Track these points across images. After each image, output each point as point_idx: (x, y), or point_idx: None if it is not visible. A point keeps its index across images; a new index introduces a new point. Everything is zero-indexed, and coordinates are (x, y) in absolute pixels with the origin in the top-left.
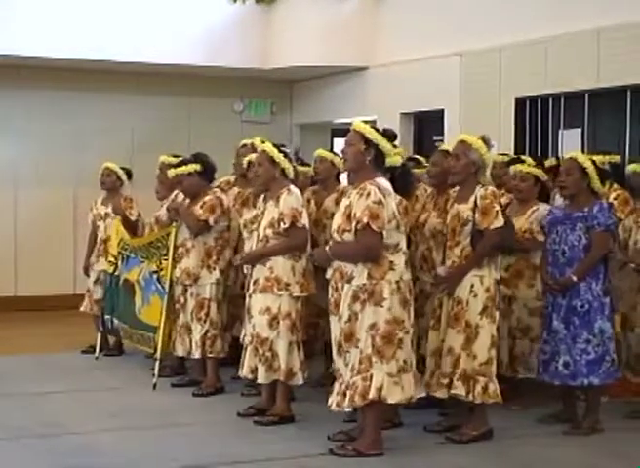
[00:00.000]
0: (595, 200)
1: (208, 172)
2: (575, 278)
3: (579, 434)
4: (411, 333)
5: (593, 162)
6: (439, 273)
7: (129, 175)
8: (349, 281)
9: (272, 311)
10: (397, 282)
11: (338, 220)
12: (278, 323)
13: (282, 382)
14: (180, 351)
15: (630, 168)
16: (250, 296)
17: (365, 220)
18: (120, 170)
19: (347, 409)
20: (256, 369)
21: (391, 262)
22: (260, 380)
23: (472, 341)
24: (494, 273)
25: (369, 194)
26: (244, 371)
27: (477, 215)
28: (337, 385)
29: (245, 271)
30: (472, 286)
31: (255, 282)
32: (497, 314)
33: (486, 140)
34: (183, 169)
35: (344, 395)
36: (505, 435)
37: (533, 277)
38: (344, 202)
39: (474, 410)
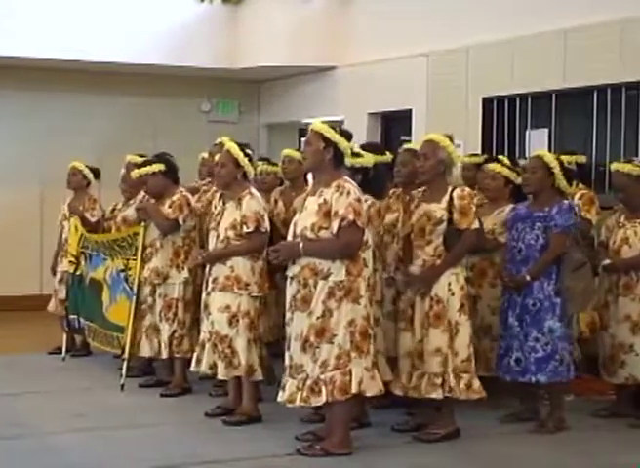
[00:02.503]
0: (557, 200)
1: (171, 171)
2: (528, 277)
3: (544, 432)
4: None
5: (560, 162)
6: (412, 272)
7: (96, 174)
8: (325, 277)
9: (232, 309)
10: (368, 278)
11: (311, 218)
12: (237, 321)
13: (247, 381)
14: (146, 352)
15: (613, 167)
16: (208, 294)
17: (351, 217)
18: (86, 169)
19: (316, 404)
20: (215, 364)
21: (364, 259)
22: (219, 376)
23: (454, 339)
24: (464, 271)
25: (349, 192)
26: (202, 367)
27: (455, 215)
28: (294, 381)
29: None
30: (449, 284)
31: (214, 280)
32: (469, 311)
33: (451, 139)
34: (147, 169)
35: (312, 390)
36: (472, 434)
37: (496, 276)
38: (315, 200)
39: (441, 410)
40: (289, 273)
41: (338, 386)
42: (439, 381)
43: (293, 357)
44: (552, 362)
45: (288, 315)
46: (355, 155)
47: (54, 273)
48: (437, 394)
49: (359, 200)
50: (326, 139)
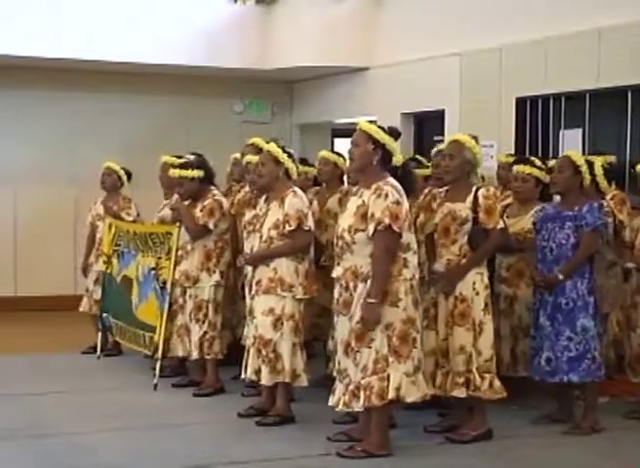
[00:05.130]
0: (586, 199)
1: (209, 178)
2: (561, 276)
3: (578, 434)
4: (421, 333)
5: (590, 162)
6: (436, 270)
7: (129, 175)
8: (365, 280)
9: (276, 312)
10: (410, 280)
11: (348, 220)
12: (282, 324)
13: (285, 383)
14: (179, 351)
15: (639, 168)
16: (252, 297)
17: (387, 221)
18: (121, 170)
19: (357, 409)
20: (259, 370)
21: (405, 259)
22: (263, 382)
23: (477, 338)
24: (487, 271)
25: (387, 195)
26: (248, 373)
27: (481, 215)
28: (341, 385)
29: (245, 272)
30: (474, 283)
31: (257, 283)
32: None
33: (476, 140)
34: (187, 173)
35: (354, 395)
36: (505, 435)
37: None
38: (355, 201)
39: (474, 410)
40: (334, 274)
41: (375, 392)
42: (462, 380)
43: (340, 361)
44: (585, 361)
45: (335, 318)
46: None
47: (85, 274)
48: (460, 392)
49: (398, 203)
50: (375, 141)
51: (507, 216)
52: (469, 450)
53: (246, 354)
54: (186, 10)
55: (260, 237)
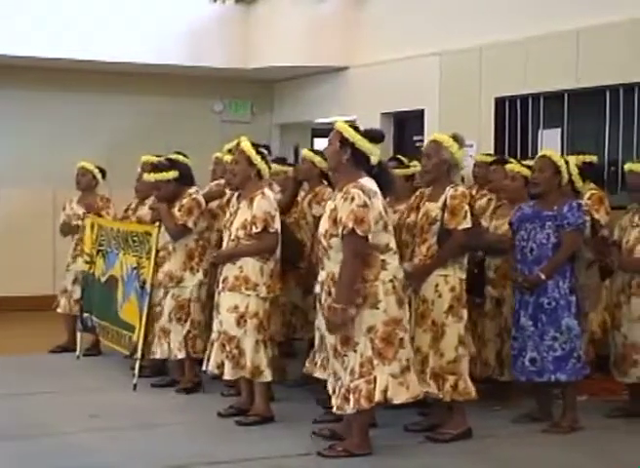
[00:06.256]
0: (565, 199)
1: (184, 177)
2: (543, 276)
3: (557, 432)
4: (409, 332)
5: (568, 162)
6: (405, 269)
7: (103, 174)
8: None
9: (240, 310)
10: (391, 281)
11: (324, 225)
12: (245, 321)
13: (258, 382)
14: (158, 354)
15: (626, 167)
16: (219, 294)
17: (350, 225)
18: (96, 169)
19: (350, 412)
20: (222, 364)
21: (383, 261)
22: (225, 376)
23: (439, 340)
24: (459, 273)
25: (353, 198)
26: (210, 366)
27: (445, 215)
28: (334, 388)
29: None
30: (437, 285)
31: (224, 280)
32: (464, 313)
33: (459, 139)
34: (161, 176)
35: (345, 398)
36: (485, 434)
37: None
38: (329, 205)
39: (453, 410)
40: (319, 278)
41: (364, 395)
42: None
43: (332, 364)
44: (571, 360)
45: (318, 321)
46: None
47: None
48: None
49: (365, 205)
50: (344, 139)
51: (497, 218)
52: (449, 450)
53: (209, 347)
54: (166, 10)
55: (229, 235)
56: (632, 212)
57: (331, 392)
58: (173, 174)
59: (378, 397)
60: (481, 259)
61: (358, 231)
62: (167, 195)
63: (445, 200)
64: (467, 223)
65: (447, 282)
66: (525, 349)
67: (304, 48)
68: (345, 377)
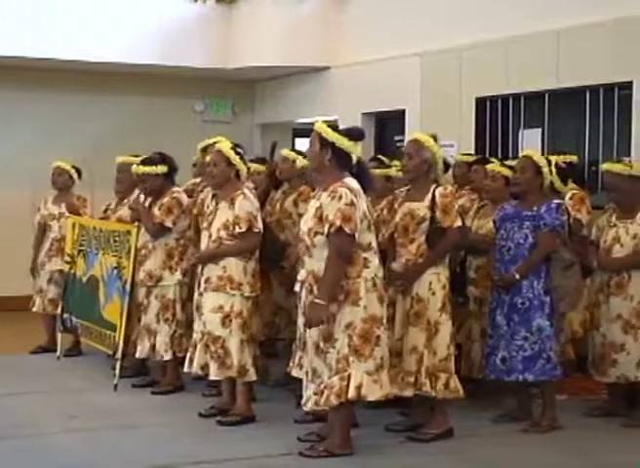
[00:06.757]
0: (546, 199)
1: (172, 174)
2: (517, 276)
3: (537, 432)
4: (386, 330)
5: (555, 162)
6: (394, 269)
7: (79, 174)
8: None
9: (225, 310)
10: (372, 279)
11: (308, 223)
12: (230, 321)
13: (241, 381)
14: (140, 353)
15: (604, 167)
16: (201, 294)
17: (338, 223)
18: (72, 169)
19: (324, 408)
20: (206, 365)
21: (365, 259)
22: (212, 376)
23: (432, 338)
24: (446, 271)
25: (340, 197)
26: (194, 368)
27: (438, 214)
28: (313, 385)
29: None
30: (430, 283)
31: (207, 280)
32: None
33: (436, 139)
34: (150, 169)
35: (322, 394)
36: (466, 434)
37: None
38: (313, 204)
39: (435, 409)
40: (299, 277)
41: (334, 391)
42: (412, 379)
43: (311, 361)
44: (540, 360)
45: (301, 320)
46: None
47: (33, 275)
48: (409, 392)
49: (351, 204)
50: (323, 140)
51: (480, 217)
52: (430, 449)
53: (192, 349)
54: (147, 9)
55: (210, 236)
56: (609, 212)
57: (306, 390)
58: (161, 168)
59: (352, 393)
60: (462, 259)
61: (346, 229)
62: (153, 189)
63: (433, 199)
64: (459, 221)
65: (439, 280)
66: (498, 348)
67: (285, 48)
68: (325, 374)
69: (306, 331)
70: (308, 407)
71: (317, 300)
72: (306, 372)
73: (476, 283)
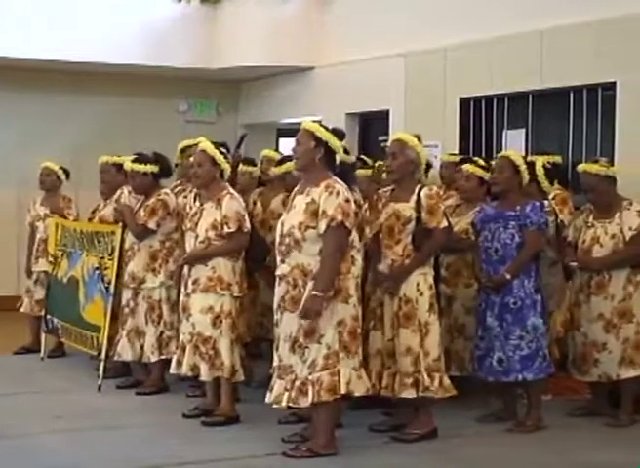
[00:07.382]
0: (528, 199)
1: (163, 175)
2: (508, 276)
3: (522, 432)
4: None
5: (535, 163)
6: (381, 270)
7: (67, 174)
8: (315, 278)
9: (215, 310)
10: (357, 277)
11: (297, 218)
12: (221, 322)
13: (226, 382)
14: (129, 356)
15: (580, 167)
16: (188, 295)
17: (339, 218)
18: (60, 170)
19: (304, 405)
20: (196, 366)
21: (352, 257)
22: (203, 378)
23: (424, 339)
24: (432, 271)
25: (338, 192)
26: (184, 369)
27: (424, 214)
28: (282, 382)
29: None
30: (418, 284)
31: (195, 281)
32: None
33: (419, 139)
34: (139, 167)
35: (301, 391)
36: (450, 434)
37: (471, 276)
38: (302, 199)
39: (419, 410)
40: (278, 272)
41: (325, 387)
42: (410, 381)
43: (282, 357)
44: (538, 359)
45: (277, 316)
46: None
47: (29, 275)
48: (409, 393)
49: (348, 201)
50: (317, 139)
51: (455, 216)
52: (414, 450)
53: (180, 351)
54: (131, 9)
55: (196, 237)
56: (587, 212)
57: (276, 386)
58: (151, 167)
59: (343, 389)
60: (435, 257)
61: (347, 224)
62: (141, 188)
63: (418, 200)
64: (445, 222)
65: (426, 280)
66: (492, 349)
67: (269, 48)
68: (303, 370)
69: (279, 327)
70: (283, 404)
71: (316, 293)
72: (276, 368)
73: (446, 281)
